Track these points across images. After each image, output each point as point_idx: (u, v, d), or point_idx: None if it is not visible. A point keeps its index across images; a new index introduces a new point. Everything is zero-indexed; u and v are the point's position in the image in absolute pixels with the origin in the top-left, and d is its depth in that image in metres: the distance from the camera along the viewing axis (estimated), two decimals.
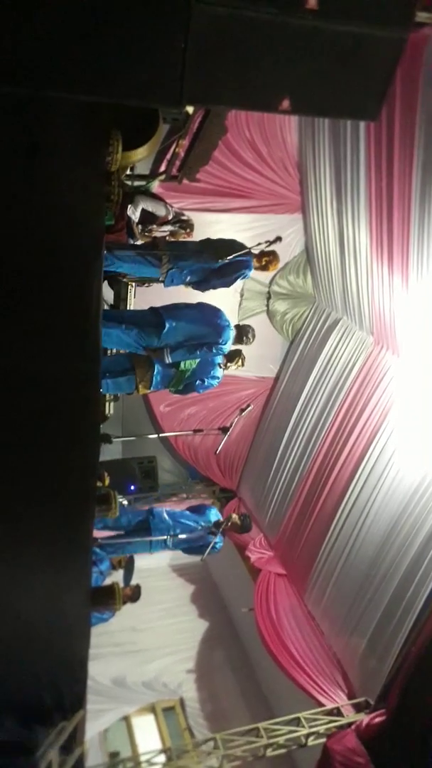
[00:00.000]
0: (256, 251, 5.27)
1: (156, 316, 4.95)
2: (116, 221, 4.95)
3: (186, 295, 5.46)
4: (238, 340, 5.24)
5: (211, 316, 5.09)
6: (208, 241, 5.30)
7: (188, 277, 5.11)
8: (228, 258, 5.06)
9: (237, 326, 5.23)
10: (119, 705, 7.60)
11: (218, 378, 5.37)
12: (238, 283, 7.80)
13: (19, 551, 2.74)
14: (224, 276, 5.17)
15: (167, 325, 4.84)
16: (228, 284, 5.28)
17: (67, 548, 3.58)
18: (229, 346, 5.11)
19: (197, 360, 5.16)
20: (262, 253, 5.26)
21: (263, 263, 5.30)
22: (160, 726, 7.72)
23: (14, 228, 2.48)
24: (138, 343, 4.91)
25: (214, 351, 5.01)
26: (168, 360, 4.93)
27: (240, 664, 8.45)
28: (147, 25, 2.06)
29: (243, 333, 5.26)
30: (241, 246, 5.19)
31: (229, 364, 5.34)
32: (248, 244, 5.31)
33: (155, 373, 5.09)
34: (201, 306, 5.22)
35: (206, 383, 5.25)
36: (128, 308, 5.73)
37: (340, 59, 2.35)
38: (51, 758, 3.09)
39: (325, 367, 7.89)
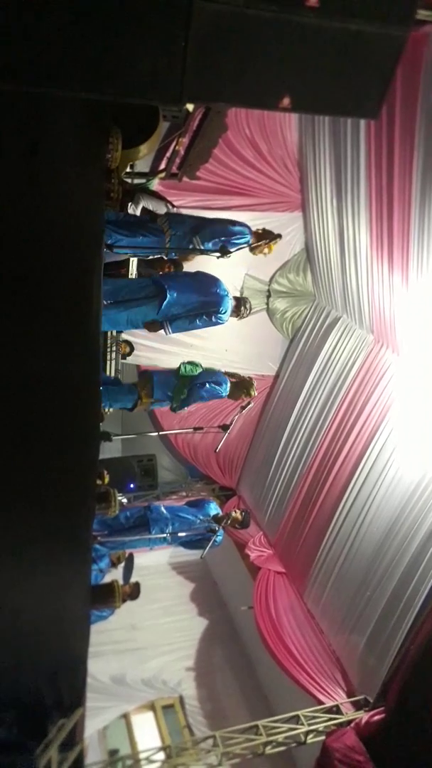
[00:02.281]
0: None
1: (157, 287, 4.94)
2: None
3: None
4: (236, 311, 5.20)
5: (209, 285, 5.06)
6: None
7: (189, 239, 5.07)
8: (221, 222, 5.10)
9: (236, 297, 5.22)
10: (118, 703, 7.62)
11: (224, 383, 5.39)
12: (238, 281, 7.83)
13: (19, 549, 2.75)
14: (218, 231, 5.10)
15: (169, 296, 4.81)
16: (222, 236, 5.17)
17: (66, 546, 3.58)
18: (228, 316, 5.08)
19: (198, 369, 5.25)
20: (261, 235, 5.24)
21: (260, 243, 5.24)
22: (159, 724, 7.74)
23: (14, 225, 2.48)
24: (138, 319, 4.91)
25: (213, 320, 4.99)
26: (169, 332, 4.93)
27: (239, 662, 8.47)
28: (147, 22, 2.06)
29: (242, 303, 5.23)
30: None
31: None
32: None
33: (155, 381, 5.19)
34: (200, 275, 5.21)
35: (210, 387, 5.25)
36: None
37: (340, 57, 2.34)
38: (50, 756, 3.10)
39: (325, 366, 7.89)
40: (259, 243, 5.17)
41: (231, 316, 5.17)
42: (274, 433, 8.66)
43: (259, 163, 6.81)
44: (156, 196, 5.76)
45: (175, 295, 4.83)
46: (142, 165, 6.11)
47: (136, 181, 6.12)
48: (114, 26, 2.05)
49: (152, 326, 4.94)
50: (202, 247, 4.98)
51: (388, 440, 6.55)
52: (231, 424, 5.93)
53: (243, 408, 5.73)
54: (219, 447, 6.02)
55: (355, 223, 6.22)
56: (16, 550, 2.70)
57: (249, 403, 5.69)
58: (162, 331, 5.00)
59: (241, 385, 5.49)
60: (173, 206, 5.81)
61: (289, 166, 6.98)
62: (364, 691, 6.02)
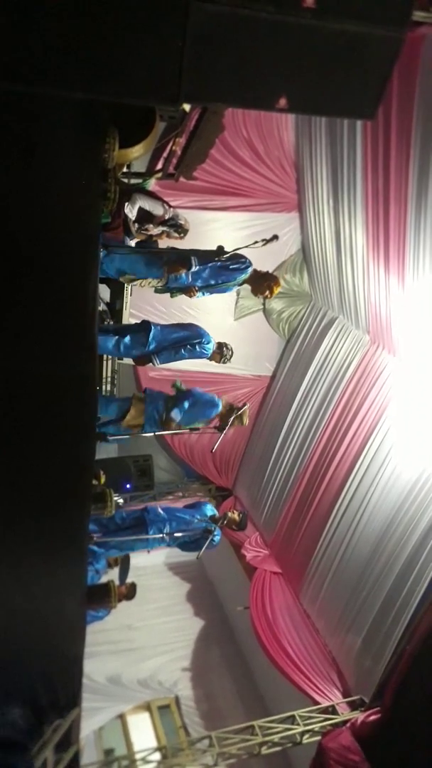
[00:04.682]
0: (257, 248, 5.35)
1: (143, 323, 5.32)
2: (112, 219, 4.93)
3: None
4: (218, 354, 5.48)
5: (190, 324, 5.46)
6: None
7: (189, 278, 5.18)
8: (225, 256, 5.15)
9: (218, 342, 5.49)
10: (114, 703, 7.61)
11: (218, 407, 5.49)
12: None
13: (14, 549, 2.74)
14: (220, 275, 5.25)
15: (153, 329, 5.15)
16: (223, 281, 5.29)
17: (62, 546, 3.57)
18: (212, 347, 5.34)
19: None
20: (264, 276, 5.34)
21: (264, 287, 5.37)
22: (155, 724, 7.73)
23: (9, 225, 2.47)
24: (129, 351, 5.20)
25: (198, 350, 5.25)
26: (157, 363, 5.21)
27: (235, 663, 8.47)
28: (145, 23, 2.06)
29: (223, 346, 5.50)
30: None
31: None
32: (245, 243, 5.31)
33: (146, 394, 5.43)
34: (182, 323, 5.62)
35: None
36: (124, 304, 6.02)
37: (337, 58, 2.35)
38: (46, 756, 3.09)
39: (321, 366, 7.90)
40: (261, 284, 5.28)
41: (212, 360, 5.46)
42: (271, 434, 8.66)
43: (256, 164, 6.82)
44: (152, 196, 5.76)
45: (159, 328, 5.20)
46: (139, 165, 6.11)
47: (133, 181, 6.11)
48: (111, 27, 2.05)
49: (141, 360, 5.29)
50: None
51: (385, 440, 6.56)
52: (227, 424, 5.92)
53: (238, 410, 5.76)
54: (215, 447, 6.00)
55: (352, 224, 6.23)
56: (11, 550, 2.69)
57: (245, 404, 5.70)
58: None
59: (232, 412, 5.56)
60: (170, 206, 5.81)
61: (285, 167, 6.99)
62: (360, 692, 6.02)
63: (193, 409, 5.38)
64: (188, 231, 5.89)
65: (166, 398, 5.41)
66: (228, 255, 5.20)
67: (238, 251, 5.24)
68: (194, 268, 5.11)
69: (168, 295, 5.47)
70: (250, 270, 5.26)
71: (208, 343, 5.30)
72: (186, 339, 5.24)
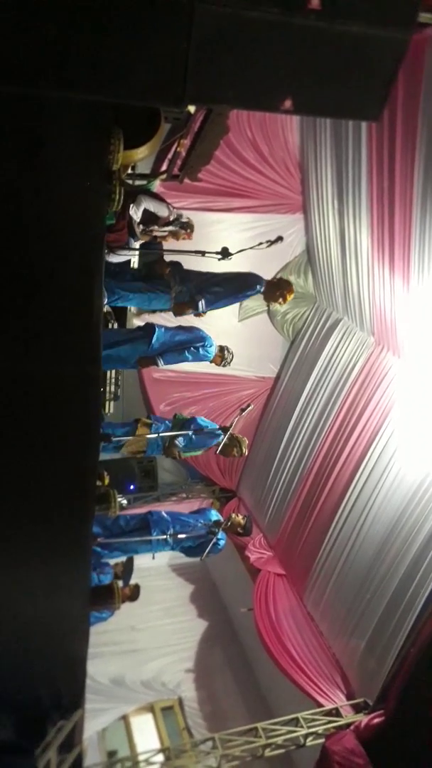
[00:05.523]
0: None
1: (145, 327, 5.39)
2: (117, 220, 4.94)
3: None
4: (219, 357, 5.56)
5: (192, 327, 5.51)
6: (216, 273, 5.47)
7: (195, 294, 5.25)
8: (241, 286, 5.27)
9: (219, 346, 5.58)
10: (118, 704, 7.61)
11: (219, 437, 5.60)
12: None
13: (18, 551, 2.74)
14: (234, 301, 5.41)
15: (157, 330, 5.21)
16: (232, 297, 5.37)
17: (66, 548, 3.57)
18: (214, 350, 5.44)
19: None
20: (277, 285, 5.36)
21: (277, 295, 5.39)
22: (158, 725, 7.73)
23: (15, 227, 2.48)
24: (132, 355, 5.25)
25: (201, 352, 5.33)
26: (161, 364, 5.27)
27: (239, 664, 8.46)
28: (150, 24, 2.06)
29: (224, 350, 5.59)
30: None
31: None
32: (249, 244, 5.31)
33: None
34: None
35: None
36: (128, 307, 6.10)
37: (342, 59, 2.34)
38: (49, 757, 3.10)
39: (325, 368, 7.88)
40: (274, 293, 5.31)
41: (213, 362, 5.56)
42: (275, 435, 8.65)
43: (261, 165, 6.81)
44: (157, 197, 5.76)
45: (162, 330, 5.25)
46: (144, 166, 6.12)
47: (138, 182, 6.11)
48: (116, 28, 2.05)
49: (144, 362, 5.30)
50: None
51: (389, 442, 6.54)
52: (231, 426, 5.92)
53: (243, 410, 5.77)
54: (219, 449, 6.01)
55: (356, 225, 6.22)
56: (15, 552, 2.70)
57: (249, 405, 5.71)
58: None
59: (234, 443, 5.67)
60: (174, 208, 5.82)
61: (290, 168, 6.98)
62: (364, 694, 6.00)
63: (196, 438, 5.51)
64: (194, 227, 5.91)
65: (170, 425, 5.48)
66: (242, 284, 5.26)
67: (248, 272, 5.30)
68: (200, 310, 5.21)
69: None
70: (263, 289, 5.32)
71: (210, 347, 5.39)
72: (189, 342, 5.31)
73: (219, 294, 5.20)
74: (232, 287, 5.26)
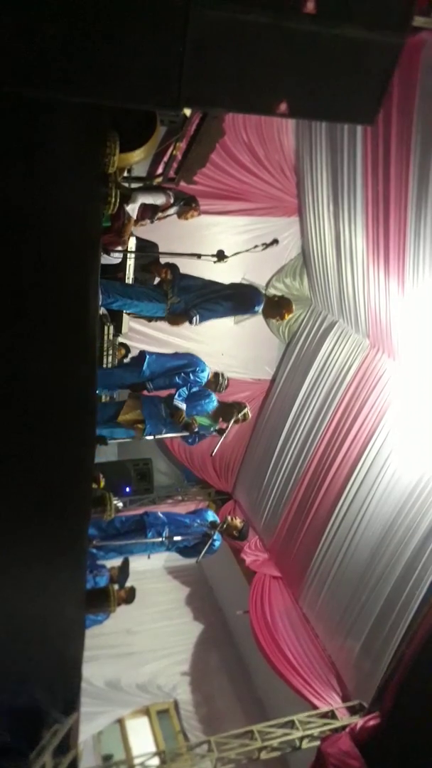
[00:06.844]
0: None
1: (139, 356, 5.53)
2: (112, 222, 4.95)
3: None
4: (214, 383, 5.61)
5: (185, 353, 5.65)
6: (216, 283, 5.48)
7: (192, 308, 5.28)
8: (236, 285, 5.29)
9: (214, 372, 5.65)
10: (113, 707, 7.58)
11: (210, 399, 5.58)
12: None
13: (14, 553, 2.74)
14: (227, 311, 5.45)
15: (148, 357, 5.34)
16: (229, 315, 5.43)
17: (62, 550, 3.57)
18: (206, 375, 5.49)
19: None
20: (277, 304, 5.39)
21: (275, 313, 5.44)
22: (154, 729, 7.71)
23: (11, 229, 2.48)
24: (123, 378, 5.42)
25: (192, 378, 5.35)
26: (150, 388, 5.36)
27: (234, 667, 8.44)
28: (145, 28, 2.07)
29: (219, 376, 5.65)
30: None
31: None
32: (245, 247, 5.32)
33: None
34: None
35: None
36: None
37: (337, 63, 2.35)
38: (44, 761, 3.09)
39: (321, 370, 7.89)
40: (273, 312, 5.35)
41: (208, 388, 5.59)
42: (271, 437, 8.65)
43: (256, 168, 6.82)
44: (150, 188, 5.75)
45: (154, 356, 5.38)
46: (140, 169, 6.12)
47: (133, 185, 6.12)
48: (112, 31, 2.06)
49: (135, 388, 5.42)
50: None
51: (384, 444, 6.56)
52: (227, 428, 5.94)
53: (237, 422, 5.82)
54: (215, 451, 6.01)
55: (352, 228, 6.24)
56: (10, 554, 2.69)
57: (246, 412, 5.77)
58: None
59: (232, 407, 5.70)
60: (173, 191, 5.81)
61: (286, 171, 6.99)
62: (360, 696, 6.00)
63: (192, 399, 5.44)
64: (198, 201, 5.91)
65: (163, 398, 5.44)
66: (239, 304, 5.35)
67: (249, 290, 5.33)
68: (194, 324, 5.25)
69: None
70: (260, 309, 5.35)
71: (202, 372, 5.44)
72: (181, 367, 5.39)
73: (216, 312, 5.26)
74: (230, 307, 5.32)
